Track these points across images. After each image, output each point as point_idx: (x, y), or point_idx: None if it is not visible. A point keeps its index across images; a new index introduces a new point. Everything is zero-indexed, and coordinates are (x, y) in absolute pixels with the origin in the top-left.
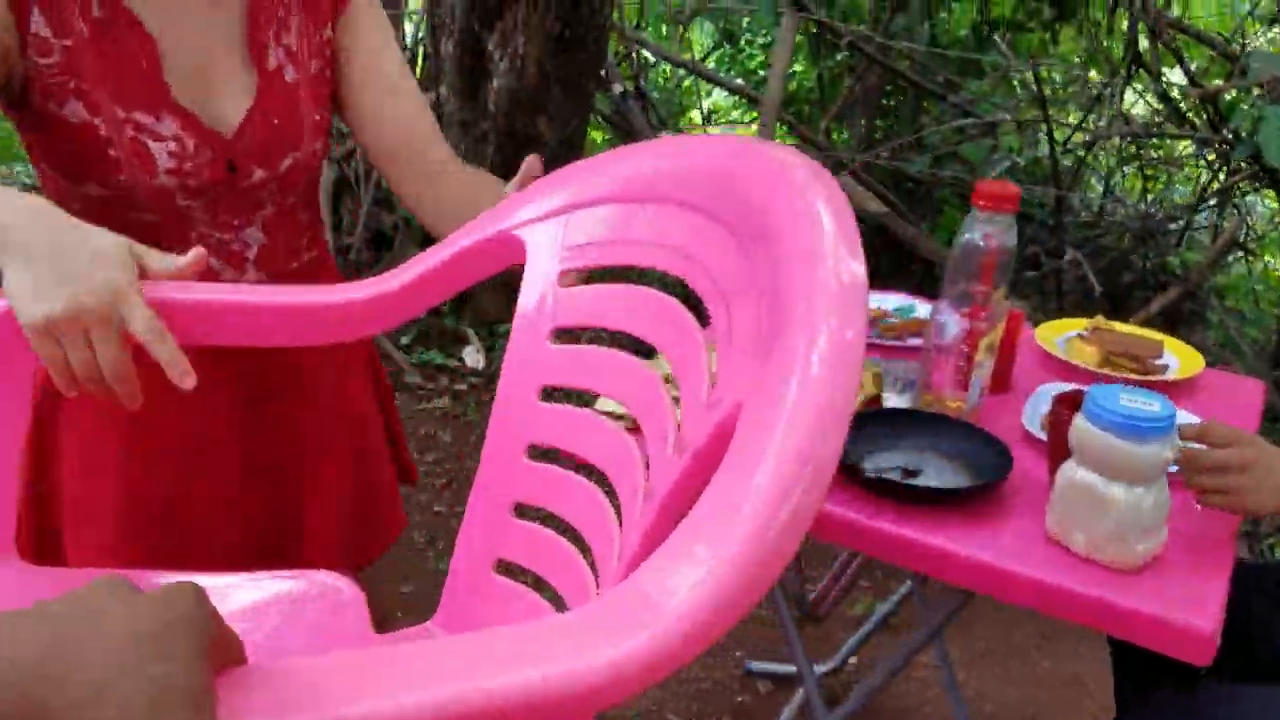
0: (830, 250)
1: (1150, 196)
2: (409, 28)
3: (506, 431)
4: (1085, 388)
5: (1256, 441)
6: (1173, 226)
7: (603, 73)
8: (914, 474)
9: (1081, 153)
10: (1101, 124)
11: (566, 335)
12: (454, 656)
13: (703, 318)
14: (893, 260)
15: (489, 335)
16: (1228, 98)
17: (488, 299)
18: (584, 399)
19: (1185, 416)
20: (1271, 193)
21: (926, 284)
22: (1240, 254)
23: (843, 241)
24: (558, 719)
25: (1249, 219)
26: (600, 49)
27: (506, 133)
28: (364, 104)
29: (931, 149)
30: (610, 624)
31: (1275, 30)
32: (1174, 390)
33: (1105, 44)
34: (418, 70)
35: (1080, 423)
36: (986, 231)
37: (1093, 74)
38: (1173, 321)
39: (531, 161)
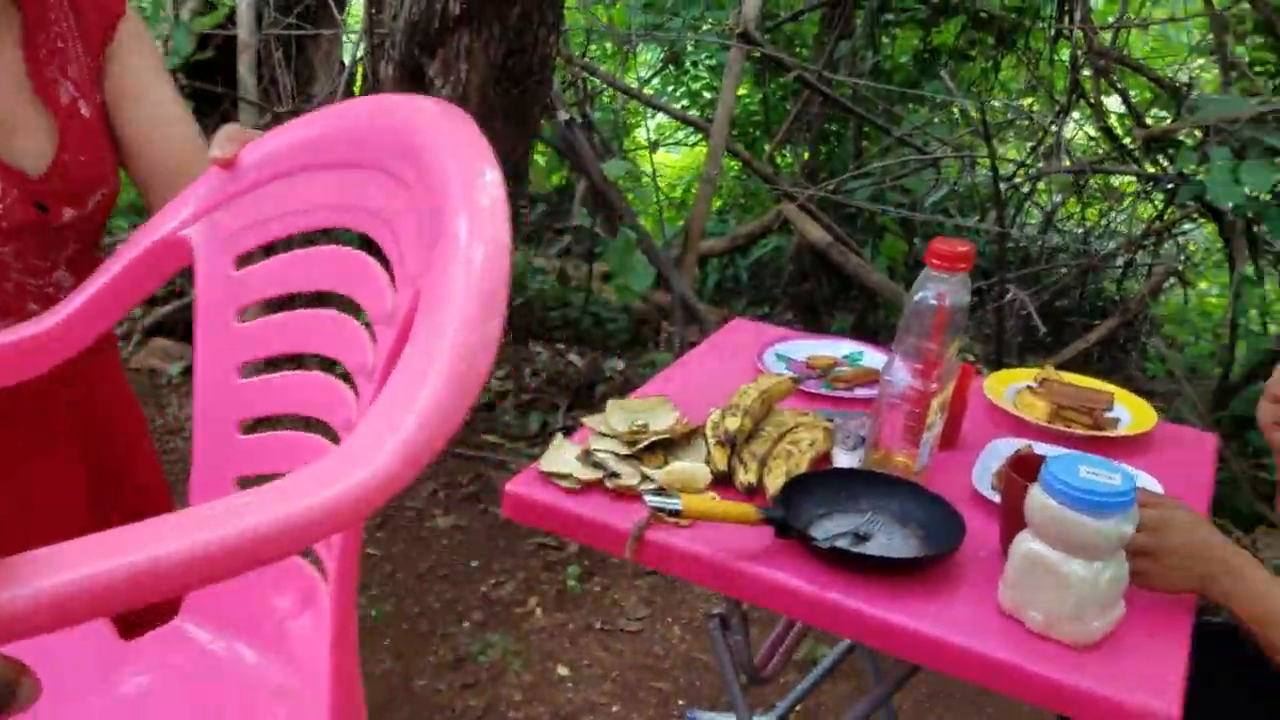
0: (467, 156)
1: (1090, 226)
2: (348, 49)
3: (214, 416)
4: (1036, 446)
5: (1173, 524)
6: (1118, 261)
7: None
8: (864, 539)
9: (1026, 188)
10: (1043, 154)
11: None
12: (173, 523)
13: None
14: (837, 287)
15: None
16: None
17: None
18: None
19: (1141, 478)
20: (1205, 222)
21: (869, 312)
22: (1175, 282)
23: (477, 151)
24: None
25: (1186, 248)
26: (546, 77)
27: None
28: (133, 134)
29: (874, 178)
30: (321, 477)
31: (1212, 58)
32: (1127, 446)
33: (1046, 75)
34: (357, 93)
35: (1038, 495)
36: (940, 290)
37: (1032, 103)
38: (1110, 350)
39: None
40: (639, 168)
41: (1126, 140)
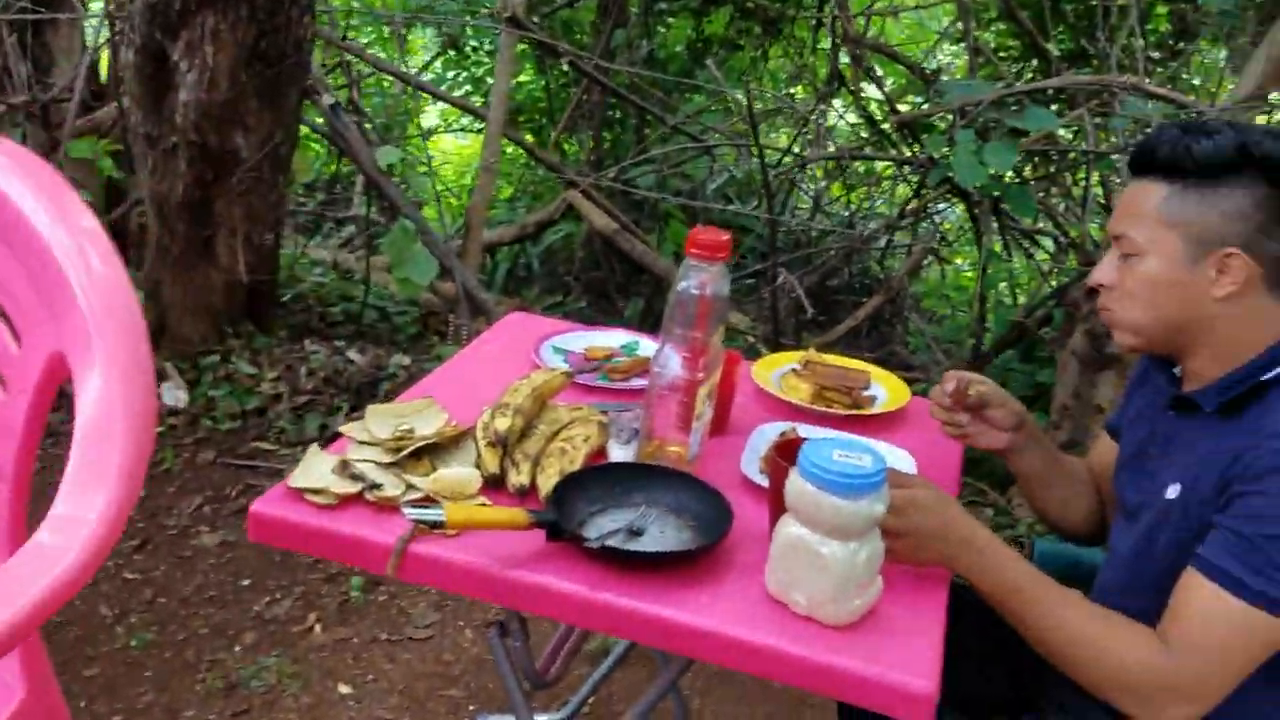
0: (58, 210)
1: (855, 210)
2: (90, 33)
3: None
4: (800, 428)
5: (917, 504)
6: (880, 242)
7: (310, 83)
8: (638, 534)
9: (795, 173)
10: (809, 141)
11: None
12: None
13: None
14: (628, 273)
15: (193, 369)
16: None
17: (189, 325)
18: None
19: (895, 452)
20: (957, 202)
21: (657, 298)
22: (933, 259)
23: (64, 200)
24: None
25: (941, 227)
26: (303, 59)
27: (199, 146)
28: None
29: (655, 164)
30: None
31: (961, 46)
32: (884, 422)
33: (810, 63)
34: (103, 78)
35: (795, 480)
36: (701, 279)
37: (799, 91)
38: (878, 325)
39: None
40: (415, 155)
41: (885, 126)
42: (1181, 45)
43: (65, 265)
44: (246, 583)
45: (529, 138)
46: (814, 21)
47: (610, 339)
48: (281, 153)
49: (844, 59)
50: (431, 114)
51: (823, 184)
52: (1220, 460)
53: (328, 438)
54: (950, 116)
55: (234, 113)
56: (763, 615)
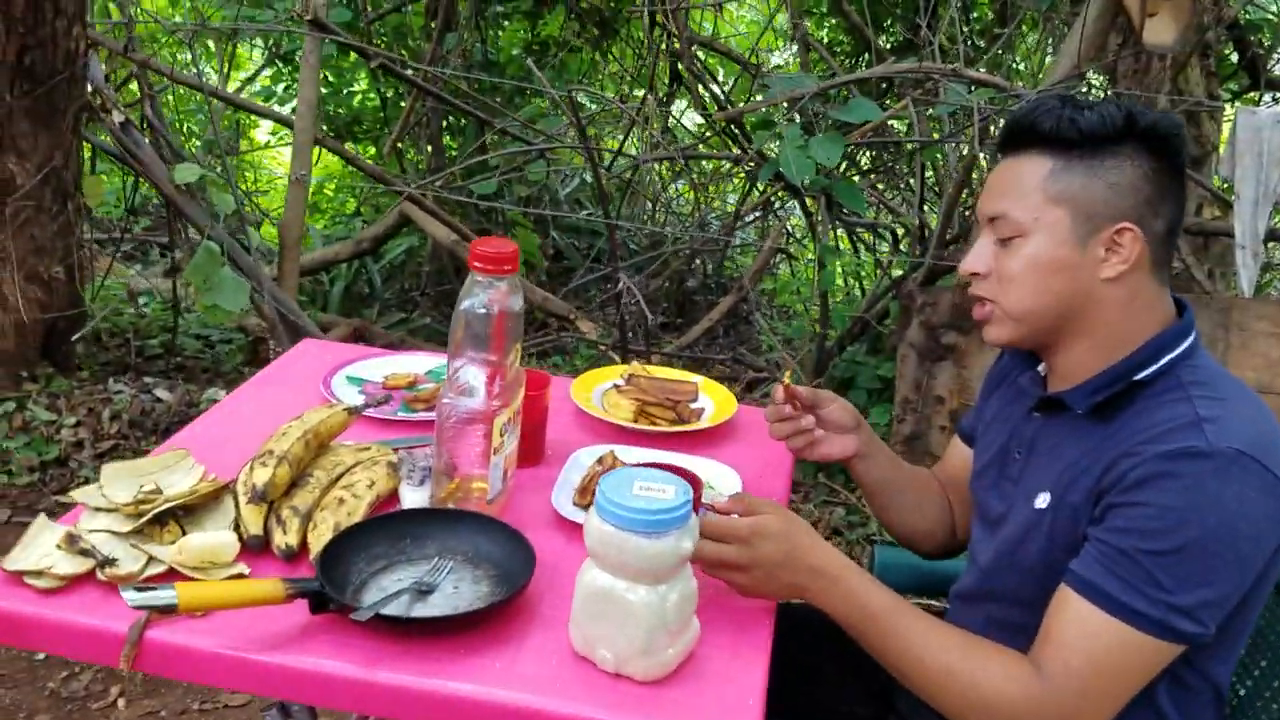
0: None
1: (704, 209)
2: None
3: None
4: (620, 450)
5: (764, 532)
6: (731, 241)
7: (96, 100)
8: (428, 592)
9: (631, 175)
10: (651, 144)
11: None
12: None
13: None
14: None
15: None
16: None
17: None
18: None
19: (720, 470)
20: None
21: None
22: (784, 257)
23: None
24: None
25: (789, 223)
26: (78, 74)
27: None
28: None
29: (496, 170)
30: None
31: (794, 45)
32: (711, 436)
33: (648, 63)
34: None
35: (592, 521)
36: (489, 296)
37: (641, 92)
38: (735, 325)
39: None
40: (220, 170)
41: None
42: (1002, 30)
43: None
44: (42, 657)
45: (369, 149)
46: (648, 21)
47: (414, 363)
48: (64, 178)
49: (680, 59)
50: (266, 129)
51: (676, 185)
52: (1092, 468)
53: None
54: (782, 111)
55: (2, 135)
56: (567, 678)
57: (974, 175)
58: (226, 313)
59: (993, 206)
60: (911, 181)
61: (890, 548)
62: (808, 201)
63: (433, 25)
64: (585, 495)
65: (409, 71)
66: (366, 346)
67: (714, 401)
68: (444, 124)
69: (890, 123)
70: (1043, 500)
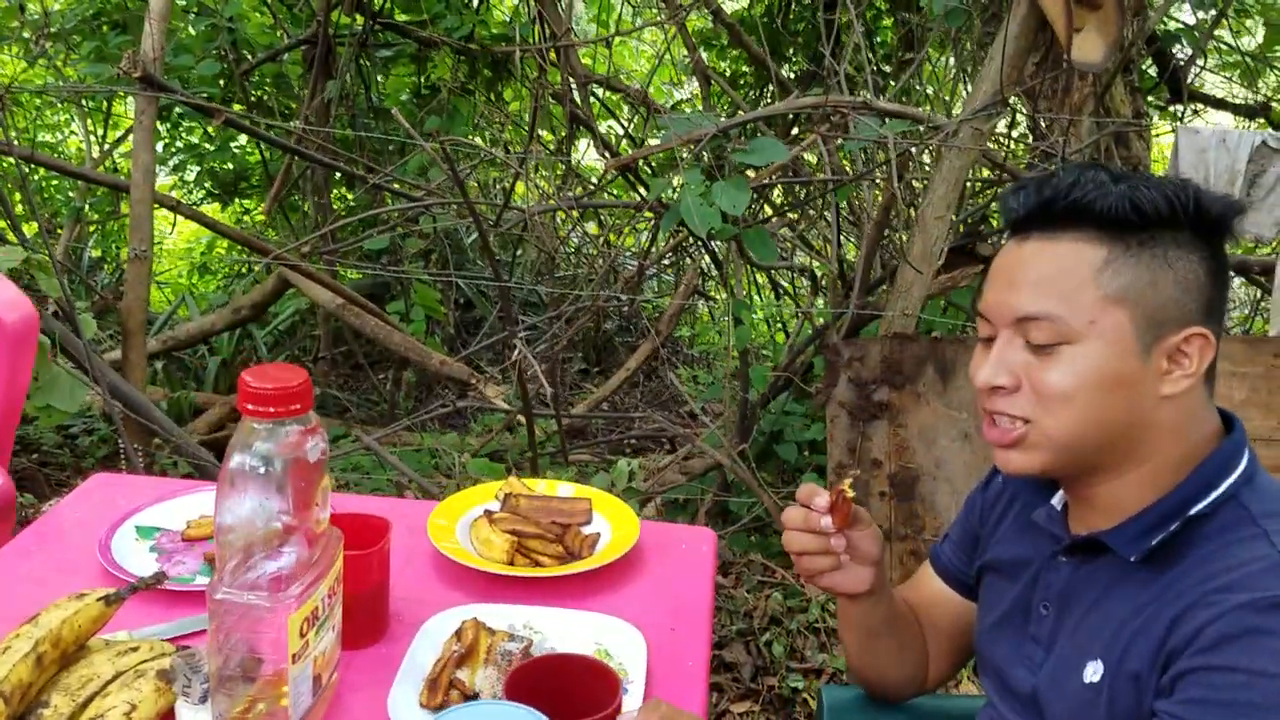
0: None
1: (613, 249)
2: None
3: None
4: (484, 612)
5: None
6: (648, 294)
7: None
8: None
9: (518, 228)
10: (559, 187)
11: None
12: None
13: None
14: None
15: None
16: (657, 159)
17: None
18: None
19: (620, 630)
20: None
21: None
22: (701, 298)
23: None
24: None
25: (702, 263)
26: None
27: None
28: None
29: (388, 225)
30: None
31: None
32: (606, 577)
33: (533, 106)
34: None
35: None
36: (273, 448)
37: (537, 136)
38: (655, 371)
39: None
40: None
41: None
42: (910, 55)
43: None
44: None
45: (256, 205)
46: (531, 62)
47: None
48: None
49: (574, 98)
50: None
51: (581, 227)
52: (1152, 627)
53: None
54: (682, 154)
55: None
56: None
57: (892, 213)
58: (61, 413)
59: (1027, 303)
60: (828, 216)
61: (841, 689)
62: (718, 249)
63: (306, 77)
64: (435, 693)
65: (270, 128)
66: (172, 480)
67: (611, 525)
68: (331, 177)
69: (802, 156)
70: (1093, 672)
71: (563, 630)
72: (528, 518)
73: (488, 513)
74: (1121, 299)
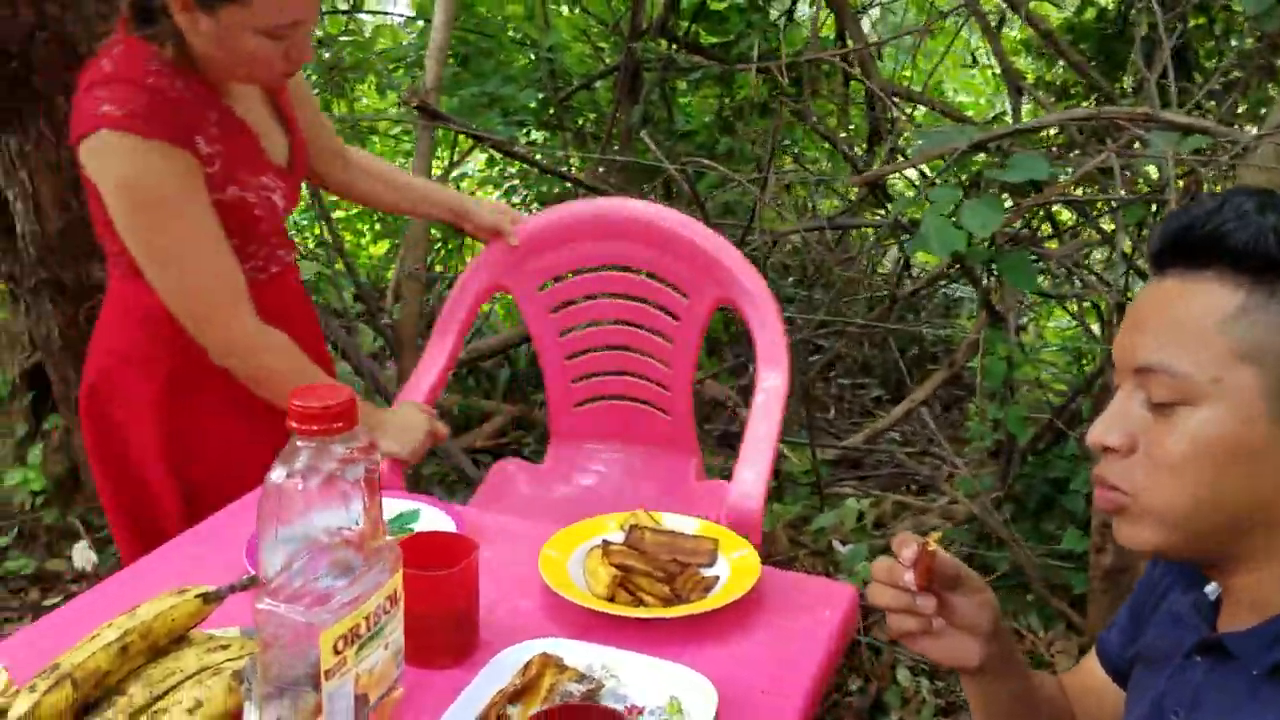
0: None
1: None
2: None
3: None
4: (565, 647)
5: None
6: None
7: None
8: None
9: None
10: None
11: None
12: None
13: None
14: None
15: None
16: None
17: None
18: None
19: (689, 684)
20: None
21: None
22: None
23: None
24: None
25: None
26: None
27: (54, 284)
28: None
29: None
30: None
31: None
32: (708, 624)
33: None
34: None
35: None
36: (321, 462)
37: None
38: (952, 402)
39: None
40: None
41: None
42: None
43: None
44: None
45: None
46: (844, 75)
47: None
48: None
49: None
50: None
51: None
52: None
53: None
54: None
55: (79, 242)
56: None
57: None
58: None
59: (1147, 351)
60: (1098, 254)
61: None
62: (973, 279)
63: (616, 101)
64: None
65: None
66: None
67: (731, 569)
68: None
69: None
70: None
71: (640, 677)
72: (645, 553)
73: (605, 543)
74: (1253, 354)
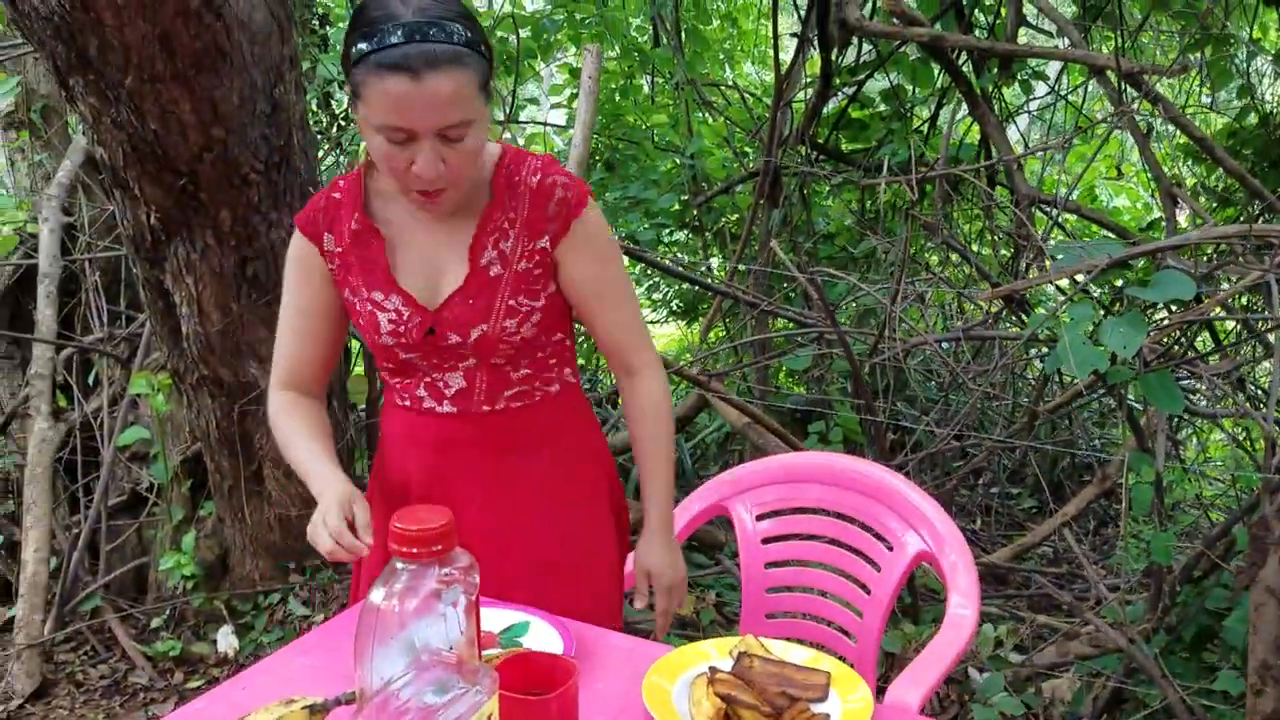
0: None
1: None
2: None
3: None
4: None
5: None
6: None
7: None
8: None
9: (902, 358)
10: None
11: None
12: None
13: None
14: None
15: (253, 610)
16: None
17: (250, 564)
18: None
19: None
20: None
21: None
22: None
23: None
24: None
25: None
26: None
27: (213, 380)
28: (580, 307)
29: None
30: None
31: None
32: None
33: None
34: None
35: None
36: (419, 584)
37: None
38: (1103, 524)
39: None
40: None
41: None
42: None
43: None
44: None
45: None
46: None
47: (490, 619)
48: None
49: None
50: None
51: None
52: None
53: None
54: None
55: (237, 343)
56: None
57: None
58: None
59: None
60: (1255, 371)
61: None
62: (1117, 399)
63: (761, 203)
64: None
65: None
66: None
67: (842, 699)
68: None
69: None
70: None
71: None
72: (754, 683)
73: (712, 669)
74: None
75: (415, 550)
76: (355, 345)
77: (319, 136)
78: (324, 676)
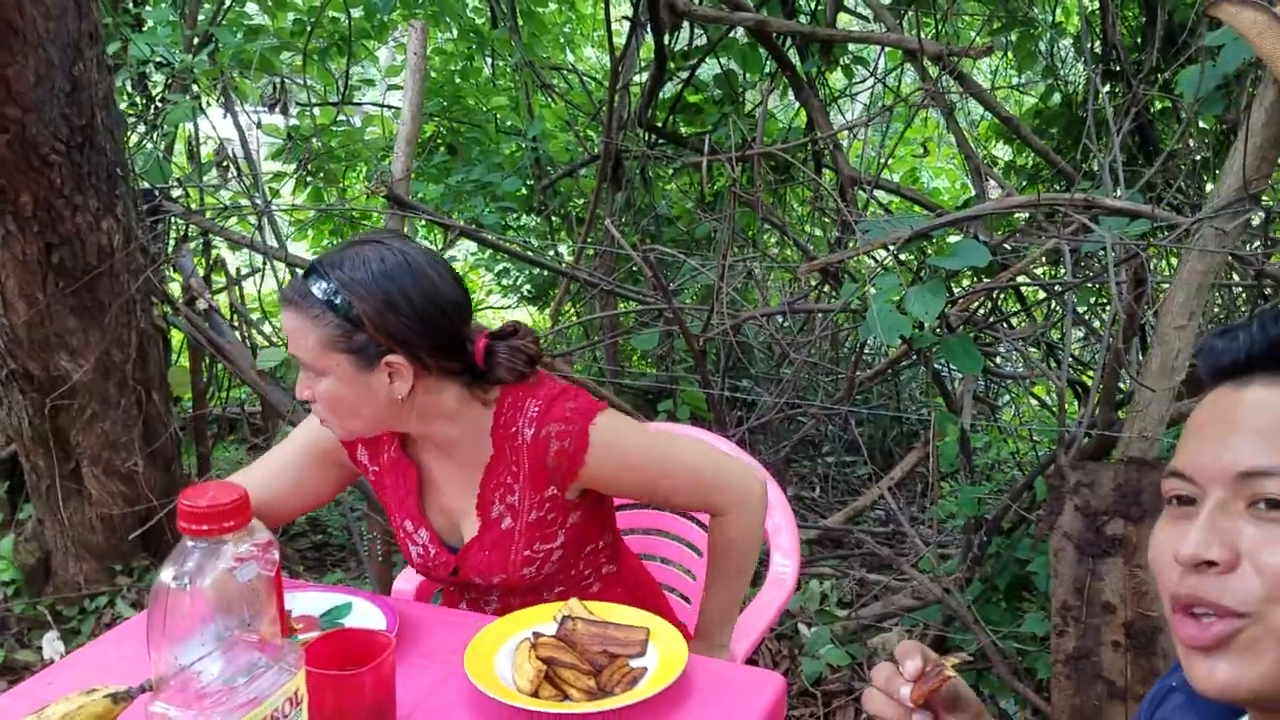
0: None
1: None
2: None
3: None
4: None
5: None
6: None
7: (190, 285)
8: None
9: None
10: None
11: None
12: None
13: None
14: None
15: (80, 614)
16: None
17: (73, 566)
18: None
19: None
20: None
21: None
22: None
23: None
24: None
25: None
26: (116, 266)
27: (23, 375)
28: (638, 499)
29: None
30: None
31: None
32: (639, 715)
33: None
34: None
35: None
36: (210, 562)
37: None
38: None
39: None
40: None
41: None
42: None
43: None
44: None
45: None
46: (814, 163)
47: (310, 603)
48: (126, 371)
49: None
50: None
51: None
52: None
53: None
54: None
55: (46, 335)
56: None
57: (1144, 326)
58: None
59: (1253, 456)
60: (1053, 332)
61: None
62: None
63: (604, 186)
64: None
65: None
66: (289, 579)
67: (660, 659)
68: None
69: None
70: None
71: None
72: (577, 644)
73: (536, 634)
74: None
75: (205, 527)
76: (178, 337)
77: (134, 119)
78: (140, 667)
